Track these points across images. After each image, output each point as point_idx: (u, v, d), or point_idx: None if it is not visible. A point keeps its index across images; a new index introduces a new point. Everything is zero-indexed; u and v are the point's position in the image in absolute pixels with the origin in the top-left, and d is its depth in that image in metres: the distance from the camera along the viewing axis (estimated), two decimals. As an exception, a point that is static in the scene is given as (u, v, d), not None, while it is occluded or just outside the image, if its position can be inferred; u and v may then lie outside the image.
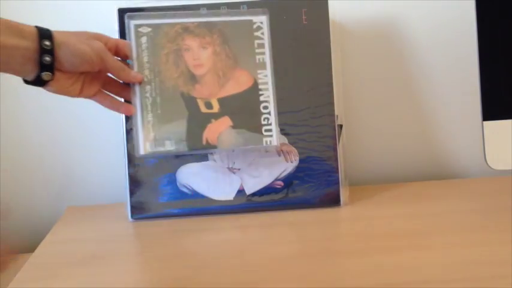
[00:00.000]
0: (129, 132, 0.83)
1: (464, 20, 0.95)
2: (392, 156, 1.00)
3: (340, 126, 0.86)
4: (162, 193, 0.84)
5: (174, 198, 0.84)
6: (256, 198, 0.85)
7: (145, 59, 0.79)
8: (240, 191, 0.85)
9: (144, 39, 0.79)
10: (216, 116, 0.81)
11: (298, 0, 0.85)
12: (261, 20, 0.81)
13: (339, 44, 0.86)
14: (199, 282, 0.63)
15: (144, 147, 0.79)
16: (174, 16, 0.81)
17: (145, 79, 0.79)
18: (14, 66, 0.67)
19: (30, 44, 0.67)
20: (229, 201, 0.85)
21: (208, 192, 0.85)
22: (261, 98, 0.81)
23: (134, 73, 0.78)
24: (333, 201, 0.85)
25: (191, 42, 0.81)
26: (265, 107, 0.81)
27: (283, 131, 0.84)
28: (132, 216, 0.84)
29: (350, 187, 0.87)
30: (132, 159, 0.84)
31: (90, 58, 0.71)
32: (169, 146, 0.80)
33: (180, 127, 0.80)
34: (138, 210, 0.84)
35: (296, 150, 0.84)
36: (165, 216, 0.84)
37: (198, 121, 0.80)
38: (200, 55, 0.81)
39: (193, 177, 0.85)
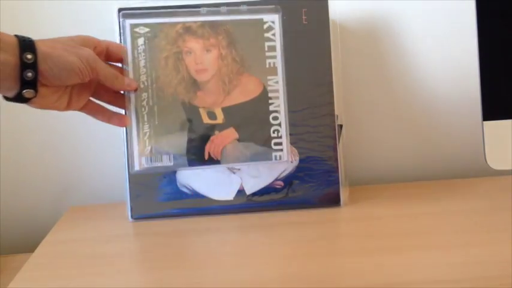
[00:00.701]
0: (129, 132, 0.79)
1: (464, 20, 0.95)
2: (392, 156, 1.00)
3: (340, 126, 0.86)
4: (162, 193, 0.84)
5: (174, 198, 0.84)
6: (256, 198, 0.85)
7: (141, 63, 0.73)
8: (240, 191, 0.84)
9: (141, 41, 0.73)
10: (220, 128, 0.76)
11: (298, 0, 0.85)
12: (273, 19, 0.74)
13: (339, 44, 0.86)
14: (199, 282, 0.63)
15: (139, 162, 0.74)
16: (174, 15, 0.74)
17: (142, 86, 0.73)
18: None
19: (9, 57, 0.59)
20: (229, 201, 0.85)
21: (208, 192, 0.84)
22: (271, 108, 0.76)
23: (129, 80, 0.72)
24: (333, 201, 0.85)
25: (194, 44, 0.75)
26: (275, 118, 0.75)
27: (283, 131, 0.84)
28: (132, 216, 0.84)
29: (350, 187, 0.87)
30: (132, 159, 0.84)
31: (78, 70, 0.64)
32: (168, 161, 0.75)
33: (179, 140, 0.75)
34: (138, 210, 0.84)
35: (296, 150, 0.84)
36: (165, 216, 0.84)
37: (199, 133, 0.76)
38: (203, 59, 0.75)
39: (193, 177, 0.84)
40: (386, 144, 1.00)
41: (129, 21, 0.73)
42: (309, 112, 0.84)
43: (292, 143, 0.83)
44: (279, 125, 0.76)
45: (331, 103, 0.84)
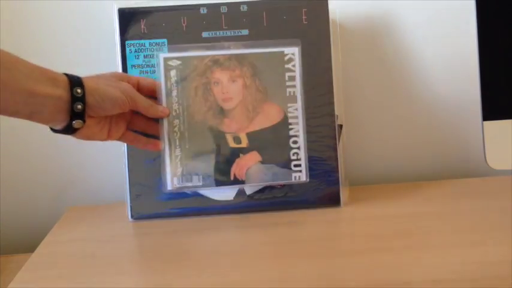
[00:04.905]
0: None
1: (465, 21, 0.95)
2: (392, 156, 1.00)
3: (340, 126, 0.86)
4: (162, 193, 0.84)
5: (174, 198, 0.84)
6: (256, 198, 0.85)
7: (174, 93, 0.80)
8: (240, 191, 0.84)
9: (173, 73, 0.80)
10: (245, 151, 0.82)
11: (298, 0, 0.85)
12: (293, 51, 0.81)
13: (339, 44, 0.86)
14: (199, 282, 0.63)
15: (171, 182, 0.80)
16: (204, 48, 0.81)
17: (174, 113, 0.80)
18: (45, 116, 0.67)
19: (62, 92, 0.67)
20: (229, 201, 0.85)
21: (208, 192, 0.84)
22: (291, 133, 0.82)
23: (162, 108, 0.79)
24: (333, 201, 0.85)
25: (220, 76, 0.81)
26: (295, 142, 0.81)
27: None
28: (132, 216, 0.84)
29: (350, 187, 0.87)
30: (131, 159, 0.84)
31: (121, 101, 0.72)
32: (197, 181, 0.81)
33: (207, 162, 0.81)
34: (138, 210, 0.84)
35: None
36: (165, 216, 0.84)
37: (226, 156, 0.82)
38: (229, 88, 0.82)
39: (194, 177, 0.85)
40: (387, 144, 1.00)
41: (162, 55, 0.80)
42: (309, 112, 0.84)
43: (292, 143, 0.85)
44: (298, 148, 0.82)
45: (331, 103, 0.84)
